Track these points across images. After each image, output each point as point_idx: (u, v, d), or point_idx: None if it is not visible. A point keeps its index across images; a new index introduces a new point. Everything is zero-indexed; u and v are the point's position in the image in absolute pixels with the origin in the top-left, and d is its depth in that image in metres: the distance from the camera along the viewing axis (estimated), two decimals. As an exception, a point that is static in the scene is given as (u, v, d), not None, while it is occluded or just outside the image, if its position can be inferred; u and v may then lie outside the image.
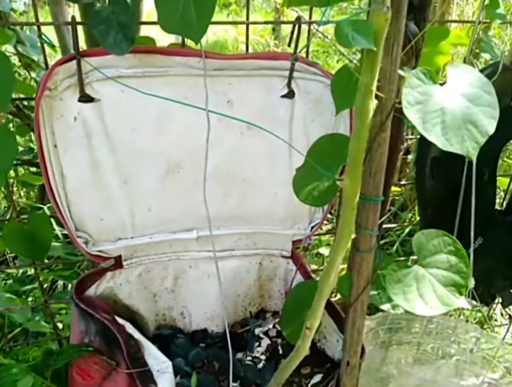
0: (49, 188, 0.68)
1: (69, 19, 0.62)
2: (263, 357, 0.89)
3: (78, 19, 0.71)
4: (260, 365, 0.88)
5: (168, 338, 0.91)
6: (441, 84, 0.51)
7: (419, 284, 0.61)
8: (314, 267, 1.80)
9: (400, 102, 0.49)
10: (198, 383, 0.79)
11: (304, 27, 0.75)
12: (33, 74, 1.40)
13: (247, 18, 0.71)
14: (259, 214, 0.84)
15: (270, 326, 0.95)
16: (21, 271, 1.40)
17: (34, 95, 0.64)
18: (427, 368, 1.13)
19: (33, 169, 1.55)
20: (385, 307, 0.89)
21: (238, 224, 0.84)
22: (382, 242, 1.97)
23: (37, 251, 0.77)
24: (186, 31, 0.58)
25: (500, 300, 0.99)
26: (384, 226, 1.31)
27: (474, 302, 0.95)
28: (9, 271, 1.38)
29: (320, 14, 0.51)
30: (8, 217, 1.50)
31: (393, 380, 1.11)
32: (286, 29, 4.04)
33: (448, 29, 0.83)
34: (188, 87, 0.69)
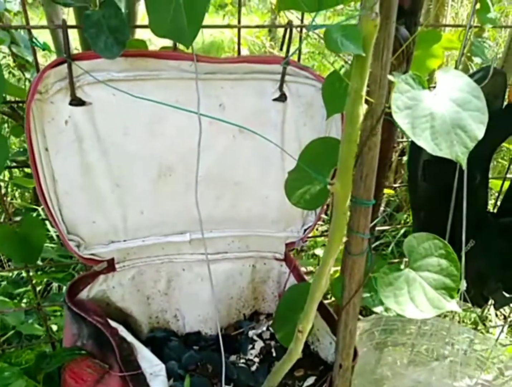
0: (40, 192, 0.68)
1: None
2: (256, 359, 0.89)
3: (73, 21, 0.71)
4: (253, 368, 0.88)
5: (161, 340, 0.91)
6: (430, 89, 0.51)
7: (410, 287, 0.61)
8: (310, 268, 1.81)
9: (390, 107, 0.50)
10: (191, 386, 0.79)
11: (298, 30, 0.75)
12: (28, 75, 1.40)
13: (239, 22, 0.71)
14: (252, 217, 0.84)
15: (264, 328, 0.95)
16: (15, 272, 1.40)
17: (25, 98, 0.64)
18: (421, 369, 1.13)
19: (28, 170, 1.55)
20: (378, 309, 0.89)
21: (231, 226, 0.84)
22: (377, 242, 1.98)
23: (29, 254, 0.77)
24: (177, 36, 0.58)
25: (493, 302, 0.99)
26: (378, 228, 1.32)
27: (467, 304, 0.96)
28: (2, 274, 1.38)
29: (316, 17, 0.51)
30: (1, 219, 1.50)
31: (387, 381, 1.11)
32: (281, 30, 4.04)
33: (439, 33, 0.84)
34: (180, 90, 0.69)
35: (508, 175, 1.04)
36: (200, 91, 0.63)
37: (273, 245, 0.89)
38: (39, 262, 1.34)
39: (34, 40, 0.63)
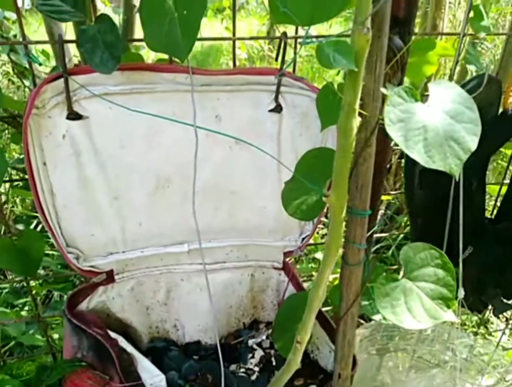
0: (38, 206, 0.68)
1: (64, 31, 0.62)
2: (256, 368, 0.89)
3: (72, 29, 0.71)
4: (253, 377, 0.88)
5: (161, 350, 0.91)
6: (423, 101, 0.52)
7: (407, 298, 0.61)
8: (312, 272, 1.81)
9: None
10: (191, 396, 0.79)
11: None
12: (27, 82, 1.41)
13: (234, 34, 0.72)
14: (250, 227, 0.84)
15: (264, 337, 0.95)
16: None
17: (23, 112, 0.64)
18: (421, 375, 1.13)
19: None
20: (377, 317, 0.90)
21: (229, 236, 0.85)
22: (378, 245, 1.98)
23: (28, 266, 0.77)
24: (171, 50, 0.59)
25: (492, 308, 0.99)
26: (377, 235, 1.32)
27: (466, 311, 0.96)
28: (2, 285, 1.38)
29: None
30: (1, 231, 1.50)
31: (388, 388, 1.11)
32: (278, 34, 4.05)
33: (434, 40, 0.84)
34: (176, 103, 0.70)
35: (505, 181, 1.04)
36: (196, 103, 0.63)
37: (271, 254, 0.89)
38: (40, 271, 1.35)
39: (31, 55, 0.63)
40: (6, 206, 1.84)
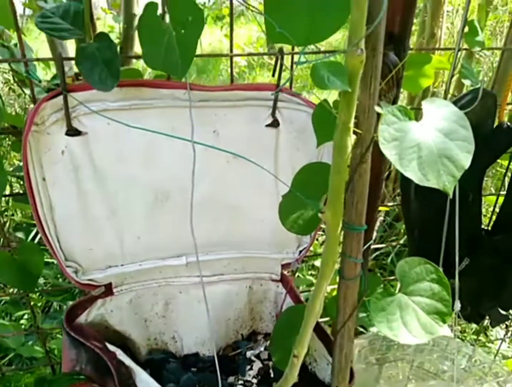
0: (38, 221, 0.69)
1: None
2: (254, 380, 0.89)
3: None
4: (251, 389, 0.88)
5: (160, 362, 0.91)
6: (417, 120, 0.52)
7: (403, 312, 0.62)
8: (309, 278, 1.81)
9: (378, 136, 0.50)
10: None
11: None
12: (27, 91, 1.42)
13: (231, 51, 0.73)
14: (248, 239, 0.85)
15: (262, 349, 0.95)
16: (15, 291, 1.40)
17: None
18: (420, 385, 1.13)
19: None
20: (374, 329, 0.90)
21: (227, 249, 0.85)
22: (377, 252, 1.98)
23: (27, 281, 0.78)
24: (170, 69, 0.60)
25: (489, 320, 0.99)
26: (374, 246, 1.32)
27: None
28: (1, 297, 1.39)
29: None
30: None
31: (386, 399, 1.11)
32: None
33: (429, 55, 0.85)
34: (175, 118, 0.70)
35: (502, 192, 1.05)
36: (194, 118, 0.64)
37: (269, 266, 0.89)
38: (39, 280, 1.35)
39: (30, 73, 0.64)
40: (6, 213, 1.85)
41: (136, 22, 2.30)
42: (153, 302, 0.88)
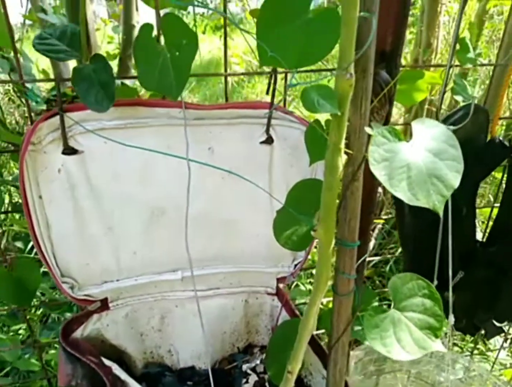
0: (34, 238, 0.70)
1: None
2: (250, 394, 0.90)
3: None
4: (247, 403, 0.88)
5: (156, 376, 0.92)
6: (407, 140, 0.53)
7: (396, 328, 0.62)
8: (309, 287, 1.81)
9: (370, 155, 0.51)
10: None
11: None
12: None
13: (225, 70, 0.74)
14: (243, 254, 0.85)
15: (258, 362, 0.95)
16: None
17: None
18: (417, 396, 1.13)
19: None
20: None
21: (223, 263, 0.86)
22: (376, 259, 1.99)
23: (23, 297, 0.78)
24: (164, 90, 0.61)
25: (484, 332, 1.00)
26: (369, 258, 1.33)
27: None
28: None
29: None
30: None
31: (383, 410, 1.11)
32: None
33: (422, 71, 0.86)
34: (171, 136, 0.71)
35: (496, 204, 1.06)
36: (189, 136, 0.65)
37: (265, 280, 0.90)
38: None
39: (27, 93, 0.65)
40: (4, 222, 1.85)
41: (135, 32, 2.32)
42: (149, 316, 0.88)
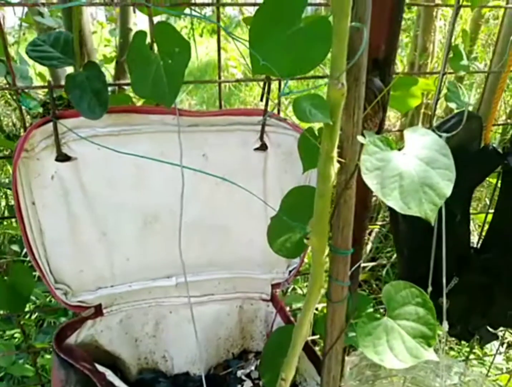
0: (27, 244, 0.69)
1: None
2: (245, 400, 0.90)
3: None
4: (242, 409, 0.88)
5: (150, 382, 0.91)
6: (399, 149, 0.53)
7: (389, 336, 0.62)
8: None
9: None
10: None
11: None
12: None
13: (219, 77, 0.74)
14: (237, 260, 0.85)
15: (253, 368, 0.95)
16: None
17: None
18: (412, 402, 1.13)
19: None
20: (363, 349, 0.90)
21: (217, 269, 0.86)
22: (374, 263, 1.99)
23: (17, 303, 0.78)
24: (158, 97, 0.61)
25: (478, 339, 1.00)
26: (364, 264, 1.33)
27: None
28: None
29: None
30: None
31: (378, 416, 1.11)
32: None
33: (416, 78, 0.86)
34: (164, 142, 0.71)
35: (490, 210, 1.06)
36: (183, 143, 0.65)
37: (259, 286, 0.90)
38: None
39: (21, 100, 0.65)
40: (0, 226, 1.85)
41: (132, 36, 2.31)
42: (144, 322, 0.88)
